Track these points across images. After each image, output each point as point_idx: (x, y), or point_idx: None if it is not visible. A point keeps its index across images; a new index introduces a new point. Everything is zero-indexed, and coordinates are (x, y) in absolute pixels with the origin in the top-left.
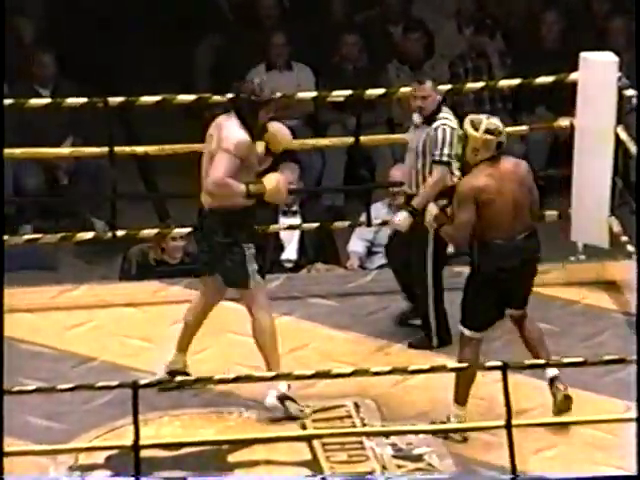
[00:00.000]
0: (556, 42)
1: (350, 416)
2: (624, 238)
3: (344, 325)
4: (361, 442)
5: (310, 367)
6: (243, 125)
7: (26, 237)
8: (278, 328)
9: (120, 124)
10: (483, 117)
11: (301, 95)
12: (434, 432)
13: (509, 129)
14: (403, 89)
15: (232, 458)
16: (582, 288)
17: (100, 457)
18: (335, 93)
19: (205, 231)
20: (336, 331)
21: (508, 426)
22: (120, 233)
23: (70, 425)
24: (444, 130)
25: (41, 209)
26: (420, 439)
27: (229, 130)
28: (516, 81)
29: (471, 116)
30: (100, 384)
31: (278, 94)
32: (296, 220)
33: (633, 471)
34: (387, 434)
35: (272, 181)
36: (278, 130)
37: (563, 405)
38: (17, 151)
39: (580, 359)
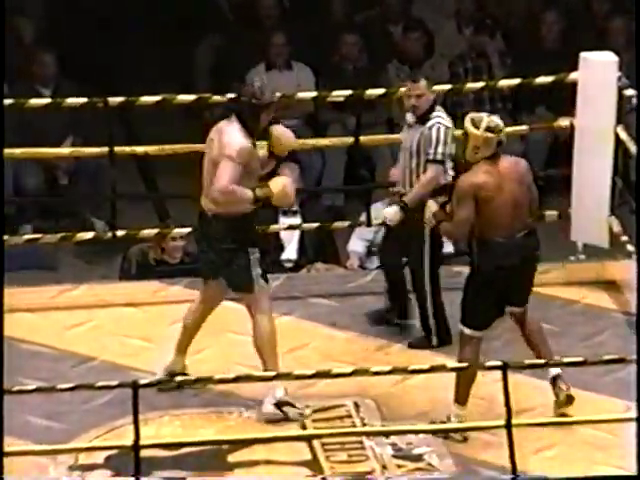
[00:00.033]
0: (556, 42)
1: (350, 416)
2: (624, 238)
3: (344, 325)
4: (361, 442)
5: (310, 367)
6: (244, 129)
7: (26, 237)
8: (278, 328)
9: (120, 124)
10: (484, 115)
11: (301, 95)
12: (434, 432)
13: (509, 129)
14: (403, 89)
15: (232, 458)
16: (582, 288)
17: (100, 457)
18: (335, 93)
19: (210, 238)
20: (336, 331)
21: (508, 426)
22: (120, 233)
23: (70, 425)
24: (438, 129)
25: (41, 209)
26: (420, 439)
27: (230, 136)
28: (516, 81)
29: (472, 114)
30: (100, 384)
31: (278, 95)
32: (296, 220)
33: (633, 471)
34: (387, 434)
35: (279, 184)
36: (282, 134)
37: (565, 405)
38: (17, 151)
39: (580, 359)
